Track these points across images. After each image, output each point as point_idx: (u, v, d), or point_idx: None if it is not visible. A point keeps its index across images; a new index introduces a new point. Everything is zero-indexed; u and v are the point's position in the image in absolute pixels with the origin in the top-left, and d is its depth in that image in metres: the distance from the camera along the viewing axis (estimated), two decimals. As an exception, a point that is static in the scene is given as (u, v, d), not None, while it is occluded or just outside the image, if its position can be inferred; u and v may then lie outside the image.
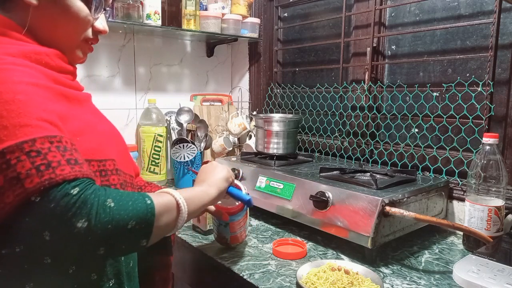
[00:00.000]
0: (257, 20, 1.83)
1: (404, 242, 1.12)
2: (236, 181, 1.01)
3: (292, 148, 1.49)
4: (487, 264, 0.81)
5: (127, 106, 1.73)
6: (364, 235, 0.97)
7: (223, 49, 2.01)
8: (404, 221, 1.05)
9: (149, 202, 0.61)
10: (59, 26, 0.72)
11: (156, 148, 1.66)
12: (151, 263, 0.88)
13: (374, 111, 1.50)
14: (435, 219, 0.96)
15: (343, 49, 1.55)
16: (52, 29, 0.71)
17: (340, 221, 1.03)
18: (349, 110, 1.58)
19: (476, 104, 1.20)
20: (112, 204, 0.56)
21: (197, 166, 1.68)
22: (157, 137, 1.65)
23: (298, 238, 1.13)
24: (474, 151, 1.21)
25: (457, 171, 1.25)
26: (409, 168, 1.33)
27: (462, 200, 1.18)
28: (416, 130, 1.38)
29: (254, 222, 1.28)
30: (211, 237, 1.14)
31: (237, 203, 0.97)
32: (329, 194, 1.08)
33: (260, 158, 1.48)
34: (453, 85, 1.26)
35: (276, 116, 1.58)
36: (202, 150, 1.76)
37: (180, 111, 1.76)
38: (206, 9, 1.71)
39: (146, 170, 1.65)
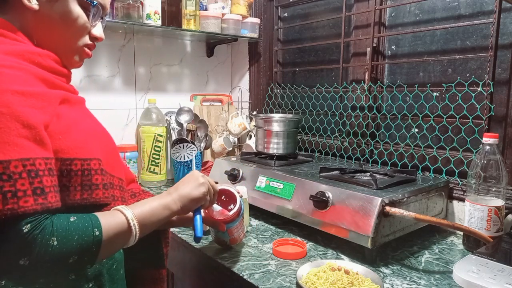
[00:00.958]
0: (257, 20, 1.83)
1: (404, 242, 1.12)
2: (226, 186, 1.01)
3: (292, 148, 1.49)
4: (487, 264, 0.81)
5: (127, 106, 1.73)
6: (364, 235, 0.97)
7: (223, 49, 2.01)
8: (404, 221, 1.05)
9: (97, 233, 0.63)
10: (57, 31, 0.73)
11: (156, 148, 1.66)
12: (144, 276, 0.88)
13: (374, 111, 1.50)
14: (435, 219, 0.96)
15: (343, 49, 1.55)
16: (50, 34, 0.72)
17: (340, 221, 1.03)
18: (349, 110, 1.58)
19: (476, 104, 1.20)
20: (56, 243, 0.58)
21: (197, 166, 1.68)
22: (157, 137, 1.65)
23: (298, 238, 1.13)
24: (474, 151, 1.21)
25: (457, 171, 1.25)
26: (409, 168, 1.33)
27: (462, 200, 1.18)
28: (416, 130, 1.38)
29: (254, 222, 1.28)
30: (211, 237, 1.14)
31: (232, 211, 0.96)
32: (329, 194, 1.08)
33: (260, 158, 1.47)
34: (453, 85, 1.26)
35: (276, 116, 1.58)
36: (202, 150, 1.76)
37: (180, 111, 1.76)
38: (206, 9, 1.71)
39: (146, 170, 1.65)
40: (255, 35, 1.83)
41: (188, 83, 1.92)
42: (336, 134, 1.63)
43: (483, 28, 1.22)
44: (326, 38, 1.70)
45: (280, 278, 0.91)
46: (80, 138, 0.69)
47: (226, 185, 1.02)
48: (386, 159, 1.46)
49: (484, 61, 1.22)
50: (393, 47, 1.47)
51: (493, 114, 1.17)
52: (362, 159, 1.52)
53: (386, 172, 1.25)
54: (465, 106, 1.23)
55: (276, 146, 1.46)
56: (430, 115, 1.32)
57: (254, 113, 1.91)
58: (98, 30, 0.79)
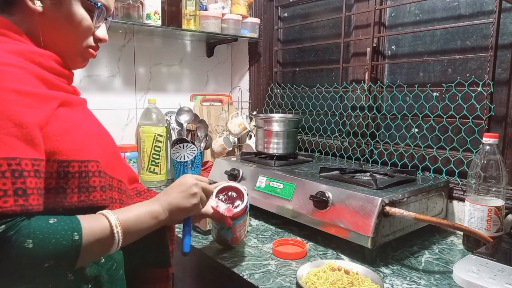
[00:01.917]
0: (257, 20, 1.83)
1: (404, 242, 1.12)
2: (234, 183, 1.01)
3: (292, 148, 1.49)
4: (487, 264, 0.81)
5: (127, 106, 1.73)
6: (364, 235, 0.97)
7: (223, 49, 2.01)
8: (404, 221, 1.05)
9: (76, 238, 0.60)
10: (61, 33, 0.73)
11: (156, 148, 1.66)
12: (149, 275, 0.87)
13: (374, 111, 1.50)
14: (435, 219, 0.96)
15: (343, 49, 1.55)
16: (54, 35, 0.73)
17: (340, 221, 1.03)
18: (349, 110, 1.58)
19: (476, 104, 1.20)
20: (31, 246, 0.56)
21: (197, 166, 1.68)
22: (157, 137, 1.65)
23: (298, 238, 1.13)
24: (474, 151, 1.21)
25: (457, 171, 1.25)
26: (409, 168, 1.33)
27: (462, 200, 1.18)
28: (416, 130, 1.38)
29: (254, 222, 1.28)
30: (211, 237, 1.14)
31: (239, 208, 0.96)
32: (329, 194, 1.08)
33: (260, 158, 1.47)
34: (453, 85, 1.26)
35: (276, 116, 1.58)
36: (202, 150, 1.76)
37: (180, 111, 1.76)
38: (206, 9, 1.71)
39: (146, 170, 1.65)
40: (255, 35, 1.83)
41: (188, 83, 1.92)
42: (336, 134, 1.63)
43: (483, 28, 1.22)
44: (326, 38, 1.70)
45: (280, 278, 0.91)
46: (78, 140, 0.69)
47: (234, 183, 1.03)
48: (386, 159, 1.46)
49: (484, 61, 1.22)
50: (393, 47, 1.47)
51: (493, 114, 1.17)
52: (362, 159, 1.52)
53: (386, 172, 1.25)
54: (465, 106, 1.23)
55: (276, 146, 1.46)
56: (430, 115, 1.32)
57: (254, 113, 1.91)
58: (102, 31, 0.80)
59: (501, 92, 1.17)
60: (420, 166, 1.35)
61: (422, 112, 1.35)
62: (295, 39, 1.85)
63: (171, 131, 1.77)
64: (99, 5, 0.75)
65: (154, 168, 1.66)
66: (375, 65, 1.50)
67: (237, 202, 0.98)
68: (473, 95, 1.21)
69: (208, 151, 1.89)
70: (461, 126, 1.24)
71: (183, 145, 1.67)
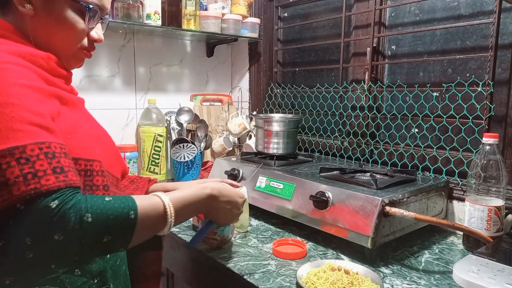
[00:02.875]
0: (257, 20, 1.83)
1: (404, 242, 1.12)
2: (231, 181, 1.03)
3: (292, 148, 1.49)
4: (487, 264, 0.81)
5: (127, 106, 1.73)
6: (364, 235, 0.97)
7: (223, 49, 2.01)
8: (404, 221, 1.05)
9: (132, 216, 0.63)
10: (54, 35, 0.74)
11: (156, 148, 1.66)
12: (143, 258, 0.88)
13: (374, 111, 1.50)
14: (435, 219, 0.96)
15: (343, 49, 1.55)
16: (48, 37, 0.74)
17: (340, 221, 1.03)
18: (349, 110, 1.58)
19: (476, 104, 1.20)
20: (90, 219, 0.59)
21: (197, 166, 1.68)
22: (157, 137, 1.65)
23: (298, 238, 1.13)
24: (474, 151, 1.21)
25: (457, 171, 1.25)
26: (409, 168, 1.33)
27: (462, 200, 1.18)
28: (416, 130, 1.38)
29: (254, 222, 1.28)
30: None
31: None
32: (329, 194, 1.08)
33: (260, 158, 1.47)
34: (453, 85, 1.26)
35: (276, 116, 1.58)
36: (202, 150, 1.76)
37: (180, 111, 1.76)
38: (206, 9, 1.71)
39: (146, 170, 1.65)
40: (255, 35, 1.83)
41: (188, 83, 1.92)
42: (336, 134, 1.63)
43: (483, 28, 1.22)
44: (326, 38, 1.70)
45: (280, 278, 0.91)
46: (83, 139, 0.70)
47: (233, 182, 1.05)
48: (386, 159, 1.46)
49: (484, 61, 1.22)
50: (393, 47, 1.47)
51: (493, 114, 1.17)
52: (362, 159, 1.52)
53: (386, 172, 1.25)
54: (465, 106, 1.23)
55: (276, 146, 1.46)
56: (430, 115, 1.32)
57: (254, 113, 1.91)
58: (96, 32, 0.79)
59: (501, 92, 1.17)
60: (420, 166, 1.35)
61: (422, 112, 1.35)
62: (295, 39, 1.85)
63: (171, 131, 1.77)
64: (90, 7, 0.75)
65: (154, 168, 1.66)
66: (375, 65, 1.50)
67: None
68: (473, 95, 1.21)
69: (208, 151, 1.89)
70: (461, 126, 1.24)
71: (183, 145, 1.67)
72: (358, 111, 1.54)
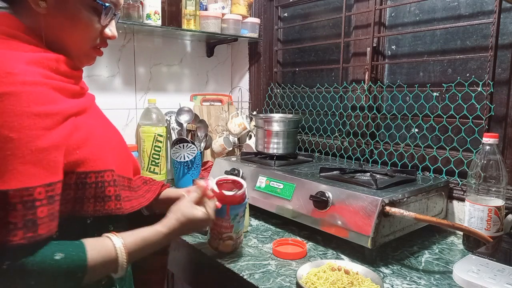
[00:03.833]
0: (257, 20, 1.83)
1: (404, 242, 1.12)
2: (232, 176, 1.03)
3: (292, 148, 1.49)
4: (487, 264, 0.81)
5: (127, 106, 1.73)
6: (364, 235, 0.97)
7: (223, 49, 2.01)
8: (404, 221, 1.05)
9: (79, 275, 0.62)
10: (68, 34, 0.72)
11: (156, 148, 1.65)
12: (148, 263, 0.89)
13: (374, 111, 1.50)
14: (435, 219, 0.96)
15: (343, 49, 1.55)
16: (61, 36, 0.71)
17: (340, 221, 1.03)
18: (349, 110, 1.58)
19: (476, 104, 1.20)
20: (33, 283, 0.58)
21: (197, 166, 1.67)
22: (157, 137, 1.65)
23: (298, 238, 1.13)
24: (474, 151, 1.21)
25: (457, 171, 1.25)
26: (409, 168, 1.33)
27: (462, 200, 1.18)
28: (416, 130, 1.38)
29: (254, 222, 1.28)
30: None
31: (237, 193, 0.97)
32: (329, 194, 1.08)
33: (260, 158, 1.47)
34: (453, 85, 1.26)
35: (276, 116, 1.58)
36: (202, 150, 1.76)
37: (180, 111, 1.76)
38: (206, 9, 1.71)
39: (146, 170, 1.65)
40: (255, 35, 1.83)
41: (188, 83, 1.92)
42: (336, 134, 1.63)
43: (483, 28, 1.22)
44: (326, 38, 1.70)
45: (280, 278, 0.91)
46: (95, 150, 0.69)
47: (234, 176, 1.06)
48: (386, 159, 1.46)
49: (484, 61, 1.22)
50: (393, 47, 1.47)
51: (493, 114, 1.17)
52: (362, 159, 1.52)
53: (386, 172, 1.25)
54: (465, 106, 1.23)
55: (276, 146, 1.46)
56: (430, 115, 1.32)
57: (254, 113, 1.91)
58: (110, 29, 0.77)
59: (501, 92, 1.17)
60: (420, 166, 1.35)
61: (422, 112, 1.35)
62: (295, 39, 1.85)
63: (171, 131, 1.77)
64: (107, 5, 0.73)
65: (154, 168, 1.66)
66: (375, 65, 1.50)
67: (235, 190, 0.99)
68: (473, 95, 1.21)
69: (208, 151, 1.89)
70: (461, 126, 1.24)
71: (183, 145, 1.67)
72: (358, 111, 1.54)
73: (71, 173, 0.64)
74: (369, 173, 1.22)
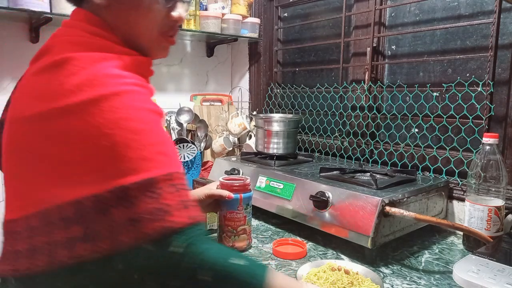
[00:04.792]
0: (257, 20, 1.83)
1: (404, 242, 1.12)
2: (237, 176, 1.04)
3: (292, 148, 1.49)
4: (487, 264, 0.81)
5: (127, 106, 1.73)
6: (364, 235, 0.97)
7: (223, 49, 2.01)
8: (404, 221, 1.05)
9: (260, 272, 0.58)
10: (133, 23, 0.66)
11: (156, 148, 1.65)
12: None
13: (374, 111, 1.50)
14: (435, 219, 0.96)
15: (343, 49, 1.55)
16: (128, 28, 0.66)
17: (340, 221, 1.03)
18: (349, 110, 1.58)
19: (476, 104, 1.20)
20: (210, 279, 0.54)
21: (197, 166, 1.68)
22: (157, 137, 1.65)
23: (298, 238, 1.13)
24: (474, 151, 1.21)
25: (457, 171, 1.25)
26: (409, 168, 1.33)
27: (462, 200, 1.18)
28: (416, 130, 1.38)
29: (254, 222, 1.28)
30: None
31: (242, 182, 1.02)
32: (329, 194, 1.08)
33: (260, 158, 1.47)
34: (453, 85, 1.26)
35: (276, 116, 1.58)
36: (202, 150, 1.76)
37: (180, 111, 1.76)
38: (206, 9, 1.71)
39: (146, 170, 1.65)
40: (255, 35, 1.83)
41: (188, 83, 1.91)
42: (336, 134, 1.63)
43: (483, 28, 1.22)
44: (326, 38, 1.70)
45: (280, 278, 0.91)
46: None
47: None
48: (386, 159, 1.46)
49: (484, 61, 1.22)
50: (393, 47, 1.47)
51: (493, 114, 1.17)
52: (362, 159, 1.52)
53: (386, 172, 1.25)
54: (465, 106, 1.23)
55: (276, 146, 1.46)
56: (430, 115, 1.32)
57: (254, 113, 1.91)
58: (178, 11, 0.70)
59: (501, 92, 1.17)
60: (420, 166, 1.35)
61: (422, 112, 1.35)
62: (295, 39, 1.85)
63: (171, 131, 1.77)
64: None
65: (154, 168, 1.66)
66: (375, 65, 1.50)
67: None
68: (473, 95, 1.21)
69: (208, 151, 1.89)
70: (461, 126, 1.24)
71: (183, 145, 1.67)
72: (358, 111, 1.54)
73: None
74: (369, 173, 1.22)
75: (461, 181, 1.24)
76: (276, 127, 1.45)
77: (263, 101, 1.94)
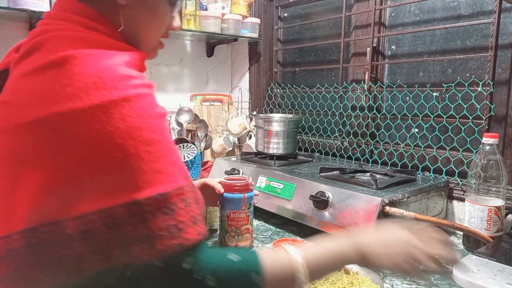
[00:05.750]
0: (257, 20, 1.83)
1: (404, 242, 1.11)
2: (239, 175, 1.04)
3: (292, 148, 1.49)
4: (487, 264, 0.81)
5: (127, 106, 1.73)
6: (364, 235, 0.97)
7: (223, 49, 2.00)
8: (404, 221, 1.05)
9: (258, 282, 0.55)
10: (144, 27, 0.66)
11: (156, 148, 1.65)
12: None
13: (374, 111, 1.50)
14: (435, 219, 0.96)
15: (343, 49, 1.55)
16: (136, 29, 0.65)
17: (340, 221, 1.03)
18: (349, 110, 1.58)
19: (476, 104, 1.20)
20: (213, 284, 0.52)
21: (197, 166, 1.68)
22: (157, 137, 1.65)
23: (298, 238, 1.13)
24: (474, 151, 1.21)
25: (457, 171, 1.25)
26: (409, 168, 1.33)
27: (462, 200, 1.18)
28: (416, 130, 1.38)
29: (254, 222, 1.28)
30: (211, 237, 1.14)
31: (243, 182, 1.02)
32: (329, 194, 1.08)
33: (260, 158, 1.47)
34: (453, 85, 1.26)
35: (276, 116, 1.58)
36: (202, 150, 1.76)
37: (180, 111, 1.76)
38: (206, 9, 1.71)
39: (146, 170, 1.65)
40: (255, 35, 1.83)
41: (188, 83, 1.91)
42: (336, 134, 1.63)
43: (483, 28, 1.22)
44: (326, 38, 1.70)
45: (280, 278, 0.90)
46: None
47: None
48: (386, 159, 1.46)
49: (484, 61, 1.21)
50: (393, 47, 1.47)
51: (493, 114, 1.17)
52: (362, 159, 1.52)
53: (386, 172, 1.25)
54: (465, 106, 1.23)
55: (276, 146, 1.46)
56: (430, 115, 1.32)
57: (254, 113, 1.91)
58: (177, 20, 0.71)
59: (501, 92, 1.17)
60: (420, 166, 1.34)
61: (422, 112, 1.35)
62: (295, 39, 1.85)
63: (171, 131, 1.77)
64: None
65: (154, 168, 1.66)
66: (375, 65, 1.50)
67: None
68: (473, 95, 1.21)
69: (208, 151, 1.89)
70: (461, 126, 1.24)
71: (183, 145, 1.67)
72: (358, 111, 1.54)
73: None
74: (369, 173, 1.22)
75: (461, 181, 1.24)
76: (276, 127, 1.45)
77: (263, 101, 1.94)
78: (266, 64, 1.92)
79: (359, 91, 1.53)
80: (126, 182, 0.49)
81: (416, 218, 0.95)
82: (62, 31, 0.57)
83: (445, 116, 1.28)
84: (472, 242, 1.06)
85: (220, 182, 1.02)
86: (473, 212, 1.05)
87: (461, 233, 1.13)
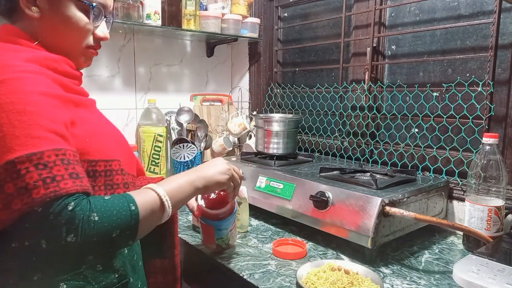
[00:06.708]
0: (257, 20, 1.83)
1: (404, 242, 1.12)
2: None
3: (292, 148, 1.49)
4: (487, 264, 0.81)
5: (127, 106, 1.73)
6: (364, 235, 0.97)
7: (223, 49, 2.00)
8: (404, 221, 1.05)
9: (133, 208, 0.65)
10: (61, 36, 0.76)
11: (156, 148, 1.65)
12: (151, 267, 0.91)
13: (374, 111, 1.50)
14: (435, 219, 0.96)
15: (343, 49, 1.55)
16: (55, 38, 0.75)
17: (340, 221, 1.03)
18: (349, 110, 1.58)
19: (476, 104, 1.20)
20: (97, 218, 0.61)
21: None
22: (157, 137, 1.65)
23: (298, 238, 1.13)
24: (474, 151, 1.21)
25: (457, 171, 1.25)
26: (409, 168, 1.33)
27: (462, 200, 1.18)
28: (416, 130, 1.38)
29: (254, 222, 1.28)
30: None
31: (225, 208, 0.96)
32: (329, 194, 1.08)
33: (260, 158, 1.48)
34: (453, 85, 1.26)
35: (276, 116, 1.58)
36: (202, 150, 1.76)
37: (180, 111, 1.76)
38: (206, 9, 1.71)
39: (146, 170, 1.65)
40: (255, 35, 1.83)
41: (188, 83, 1.91)
42: (336, 134, 1.63)
43: (483, 28, 1.22)
44: (326, 38, 1.70)
45: (280, 278, 0.91)
46: (102, 141, 0.73)
47: None
48: (386, 159, 1.46)
49: (484, 61, 1.22)
50: (393, 47, 1.47)
51: (493, 114, 1.17)
52: (362, 159, 1.52)
53: (386, 172, 1.25)
54: (465, 106, 1.23)
55: (276, 146, 1.46)
56: (430, 115, 1.32)
57: (254, 113, 1.91)
58: (102, 30, 0.81)
59: (501, 92, 1.17)
60: (420, 166, 1.35)
61: (422, 112, 1.35)
62: (295, 39, 1.85)
63: (171, 131, 1.77)
64: (94, 5, 0.77)
65: (154, 168, 1.66)
66: (375, 65, 1.50)
67: (223, 208, 0.97)
68: (473, 95, 1.21)
69: (208, 151, 1.89)
70: (461, 126, 1.24)
71: (183, 145, 1.67)
72: (358, 111, 1.54)
73: (82, 161, 0.67)
74: (369, 173, 1.22)
75: (461, 181, 1.24)
76: (276, 127, 1.45)
77: (263, 101, 1.94)
78: (266, 64, 1.92)
79: (359, 91, 1.53)
80: (1, 147, 0.58)
81: (416, 218, 0.95)
82: None
83: (445, 116, 1.28)
84: (472, 242, 1.06)
85: (202, 212, 0.98)
86: (473, 212, 1.05)
87: (461, 233, 1.14)
